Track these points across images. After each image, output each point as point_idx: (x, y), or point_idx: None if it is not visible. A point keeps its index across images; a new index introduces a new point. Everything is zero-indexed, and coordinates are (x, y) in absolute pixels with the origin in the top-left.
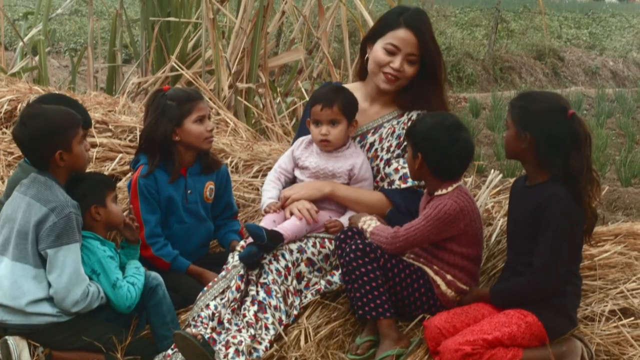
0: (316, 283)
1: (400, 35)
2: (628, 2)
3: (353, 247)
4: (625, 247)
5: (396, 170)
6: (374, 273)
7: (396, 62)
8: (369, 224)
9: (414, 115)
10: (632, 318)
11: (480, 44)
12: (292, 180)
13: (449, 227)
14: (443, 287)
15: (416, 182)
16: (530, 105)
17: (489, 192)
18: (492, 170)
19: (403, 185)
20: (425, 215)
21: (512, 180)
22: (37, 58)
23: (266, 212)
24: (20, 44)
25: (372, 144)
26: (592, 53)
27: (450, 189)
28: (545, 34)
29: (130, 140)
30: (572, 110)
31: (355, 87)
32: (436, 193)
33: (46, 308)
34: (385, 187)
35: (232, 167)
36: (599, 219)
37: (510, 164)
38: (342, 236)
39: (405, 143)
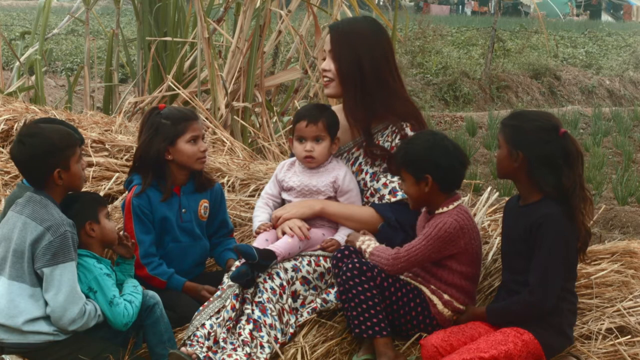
0: (312, 301)
1: (326, 38)
2: (624, 21)
3: (350, 266)
4: (622, 266)
5: (385, 185)
6: (370, 292)
7: (324, 63)
8: (368, 244)
9: (392, 125)
10: (629, 336)
11: (476, 63)
12: (280, 205)
13: (450, 246)
14: (440, 306)
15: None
16: (523, 124)
17: (485, 211)
18: (489, 189)
19: (393, 199)
20: (425, 235)
21: (508, 198)
22: (33, 77)
23: (258, 232)
24: (17, 63)
25: (357, 158)
26: (588, 72)
27: (451, 207)
28: (547, 47)
29: (127, 160)
30: (564, 128)
31: (342, 107)
32: (437, 211)
33: (43, 327)
34: (376, 202)
35: (229, 186)
36: (596, 237)
37: (507, 182)
38: (338, 255)
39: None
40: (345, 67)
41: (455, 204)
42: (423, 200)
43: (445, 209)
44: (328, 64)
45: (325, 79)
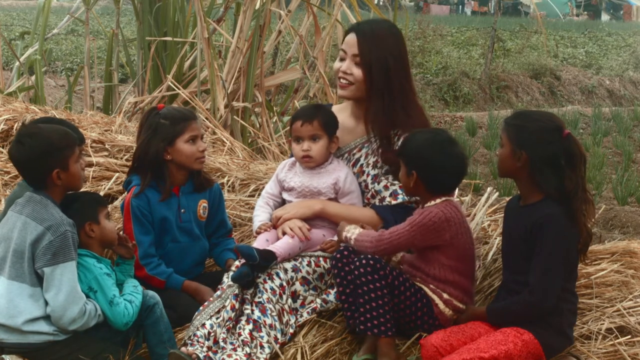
0: (312, 301)
1: (347, 39)
2: (624, 21)
3: (363, 261)
4: (622, 266)
5: (386, 187)
6: (381, 291)
7: (344, 65)
8: (353, 232)
9: (399, 131)
10: (629, 336)
11: (476, 63)
12: (280, 204)
13: (434, 235)
14: (441, 306)
15: (407, 198)
16: (527, 124)
17: (485, 211)
18: (489, 189)
19: (394, 202)
20: (410, 221)
21: (508, 199)
22: (33, 77)
23: (258, 233)
24: (17, 63)
25: (357, 160)
26: (588, 72)
27: (438, 200)
28: (546, 47)
29: (127, 160)
30: (568, 130)
31: (342, 107)
32: (427, 205)
33: (43, 327)
34: (377, 203)
35: (229, 186)
36: (596, 237)
37: (507, 182)
38: (338, 255)
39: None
40: (375, 74)
41: (444, 198)
42: (411, 191)
43: (433, 202)
44: (349, 67)
45: (344, 82)
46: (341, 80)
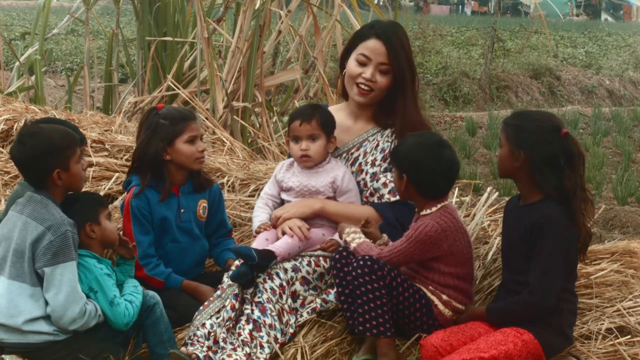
0: (312, 301)
1: (370, 45)
2: (624, 21)
3: (361, 263)
4: (622, 265)
5: (385, 185)
6: (379, 292)
7: (367, 72)
8: (353, 237)
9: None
10: (629, 336)
11: (476, 63)
12: (279, 205)
13: (431, 248)
14: (441, 306)
15: None
16: (525, 124)
17: (484, 211)
18: (489, 189)
19: (393, 199)
20: (407, 237)
21: (508, 199)
22: (33, 77)
23: (257, 232)
24: (17, 63)
25: (356, 159)
26: (588, 72)
27: (434, 209)
28: (549, 45)
29: (127, 160)
30: (566, 129)
31: (340, 107)
32: (421, 213)
33: (43, 326)
34: (376, 201)
35: (229, 186)
36: (596, 237)
37: (507, 182)
38: (337, 256)
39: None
40: (402, 80)
41: (439, 205)
42: (403, 195)
43: (428, 211)
44: (373, 75)
45: (365, 88)
46: (362, 86)
